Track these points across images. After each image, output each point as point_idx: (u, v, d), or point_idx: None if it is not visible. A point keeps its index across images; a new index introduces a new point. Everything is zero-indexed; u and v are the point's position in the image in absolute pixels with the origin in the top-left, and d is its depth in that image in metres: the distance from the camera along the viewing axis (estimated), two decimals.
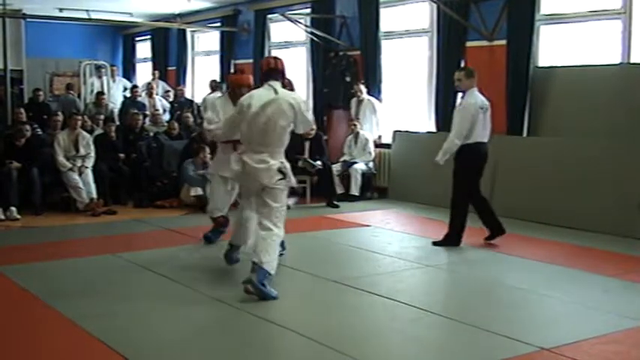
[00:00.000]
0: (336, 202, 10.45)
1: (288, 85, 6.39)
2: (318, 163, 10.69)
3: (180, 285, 6.13)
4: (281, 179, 5.88)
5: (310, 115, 6.20)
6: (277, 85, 5.97)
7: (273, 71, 6.03)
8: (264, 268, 5.68)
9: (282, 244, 7.15)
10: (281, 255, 7.37)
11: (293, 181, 6.11)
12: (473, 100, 7.58)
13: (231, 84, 7.43)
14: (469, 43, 10.27)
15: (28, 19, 14.16)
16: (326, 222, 9.25)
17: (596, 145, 8.68)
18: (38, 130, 11.41)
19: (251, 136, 5.90)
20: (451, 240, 7.70)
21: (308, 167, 10.62)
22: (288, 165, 5.99)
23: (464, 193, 7.69)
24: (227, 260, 6.84)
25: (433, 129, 10.83)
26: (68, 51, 17.30)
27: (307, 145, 10.82)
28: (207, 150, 10.15)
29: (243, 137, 6.04)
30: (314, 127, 7.42)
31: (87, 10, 15.07)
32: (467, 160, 7.65)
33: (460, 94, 7.86)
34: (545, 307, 5.65)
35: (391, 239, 8.17)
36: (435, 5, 10.58)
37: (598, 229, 8.32)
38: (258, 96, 5.92)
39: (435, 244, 7.72)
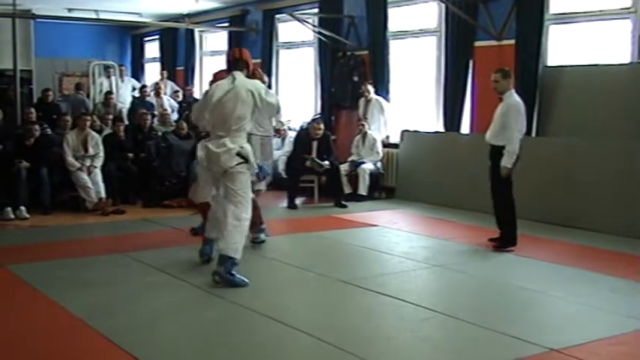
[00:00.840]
0: (344, 202, 10.45)
1: (257, 76, 6.84)
2: (326, 163, 10.69)
3: (189, 284, 6.14)
4: (241, 163, 6.13)
5: (274, 100, 6.50)
6: (239, 74, 6.31)
7: (237, 62, 6.45)
8: (230, 257, 5.96)
9: (264, 231, 7.54)
10: (262, 242, 7.38)
11: (254, 165, 6.44)
12: (517, 99, 7.51)
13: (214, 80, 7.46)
14: (478, 43, 10.26)
15: (38, 20, 14.23)
16: (334, 222, 9.25)
17: (606, 144, 8.65)
18: (47, 129, 11.44)
19: (213, 123, 6.31)
20: (510, 241, 7.58)
21: (316, 167, 10.63)
22: (249, 148, 6.25)
23: (507, 193, 7.54)
24: (200, 255, 6.86)
25: (441, 129, 10.82)
26: (77, 51, 17.35)
27: (315, 144, 10.83)
28: None
29: (207, 124, 6.43)
30: (281, 120, 7.31)
31: (96, 11, 15.13)
32: None
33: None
34: (554, 307, 5.64)
35: (399, 239, 8.16)
36: (443, 5, 10.57)
37: (607, 230, 8.30)
38: (221, 85, 6.31)
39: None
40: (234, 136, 6.19)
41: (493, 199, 7.69)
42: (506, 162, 7.34)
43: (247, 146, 6.27)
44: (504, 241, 7.58)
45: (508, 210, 7.55)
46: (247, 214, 6.18)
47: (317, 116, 11.92)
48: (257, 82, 6.49)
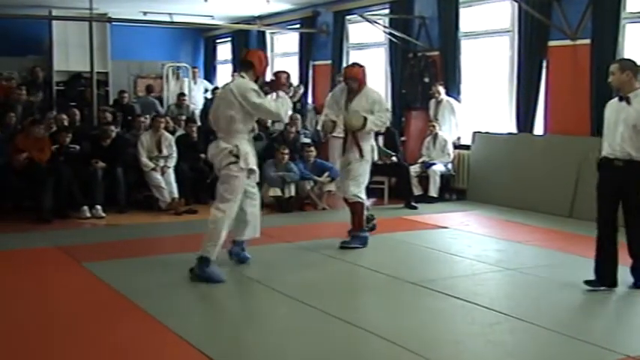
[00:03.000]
0: (414, 204, 10.39)
1: (279, 83, 6.90)
2: (393, 154, 10.67)
3: (262, 285, 6.19)
4: (232, 163, 6.31)
5: (261, 102, 6.39)
6: (238, 76, 6.62)
7: (241, 63, 6.75)
8: (202, 256, 6.25)
9: (359, 239, 7.57)
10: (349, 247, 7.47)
11: (249, 164, 6.44)
12: None
13: (343, 75, 8.02)
14: (551, 43, 10.06)
15: (114, 23, 14.56)
16: (404, 223, 9.21)
17: None
18: (125, 130, 11.71)
19: (213, 124, 6.71)
20: None
21: (383, 157, 10.52)
22: (245, 149, 6.39)
23: None
24: (230, 257, 6.93)
25: (514, 130, 10.66)
26: (151, 53, 17.67)
27: (380, 140, 10.78)
28: (286, 150, 10.27)
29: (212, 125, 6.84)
30: (283, 119, 7.23)
31: (170, 14, 15.38)
32: None
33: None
34: (631, 313, 5.50)
35: (470, 242, 8.08)
36: (516, 4, 10.42)
37: None
38: (221, 88, 6.81)
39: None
40: (228, 137, 6.41)
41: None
42: None
43: (244, 147, 6.40)
44: None
45: None
46: (224, 215, 6.32)
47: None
48: (245, 83, 6.44)
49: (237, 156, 6.31)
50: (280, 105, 6.62)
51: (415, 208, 10.27)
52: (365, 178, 7.76)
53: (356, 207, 7.73)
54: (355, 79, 7.64)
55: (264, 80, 6.82)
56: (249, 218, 6.80)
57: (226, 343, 4.79)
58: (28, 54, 15.99)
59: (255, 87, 6.49)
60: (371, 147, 7.77)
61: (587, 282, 5.99)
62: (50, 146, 9.73)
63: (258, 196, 7.07)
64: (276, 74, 7.03)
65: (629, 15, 9.23)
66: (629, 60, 5.87)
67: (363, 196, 7.72)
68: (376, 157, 7.94)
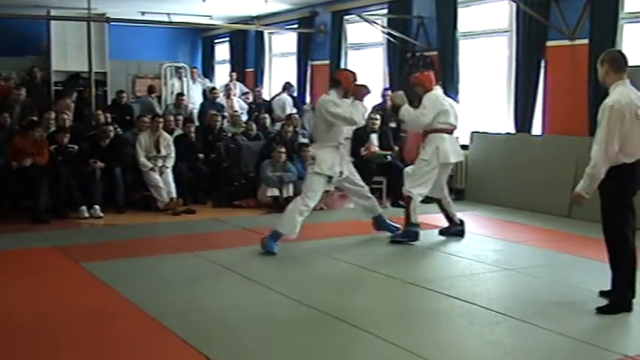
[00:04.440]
0: (402, 202, 10.40)
1: (356, 92, 7.61)
2: (388, 153, 10.71)
3: (260, 285, 6.19)
4: (311, 164, 7.61)
5: (338, 111, 7.42)
6: (327, 92, 7.72)
7: (330, 81, 7.96)
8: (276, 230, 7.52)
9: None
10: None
11: (323, 170, 7.52)
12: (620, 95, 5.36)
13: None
14: (550, 43, 10.08)
15: (112, 23, 14.55)
16: (401, 223, 9.19)
17: None
18: (119, 130, 11.70)
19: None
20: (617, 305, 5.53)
21: (378, 158, 10.56)
22: (320, 154, 7.53)
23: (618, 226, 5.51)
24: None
25: (512, 130, 10.67)
26: (150, 53, 17.67)
27: (374, 137, 10.82)
28: (283, 149, 10.28)
29: None
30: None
31: (168, 14, 15.37)
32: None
33: None
34: (631, 313, 5.49)
35: (468, 241, 8.08)
36: (514, 4, 10.43)
37: None
38: None
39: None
40: (316, 143, 7.74)
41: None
42: (581, 186, 5.43)
43: (320, 152, 7.55)
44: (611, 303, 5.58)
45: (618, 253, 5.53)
46: (303, 207, 7.51)
47: (375, 105, 11.77)
48: (326, 97, 7.57)
49: (313, 157, 7.58)
50: (355, 111, 7.42)
51: (404, 206, 10.28)
52: (421, 178, 7.92)
53: (405, 201, 8.05)
54: (418, 85, 8.17)
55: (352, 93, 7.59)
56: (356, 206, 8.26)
57: (224, 344, 4.79)
58: (26, 54, 15.96)
59: (335, 99, 7.48)
60: (435, 149, 7.86)
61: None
62: (48, 147, 9.72)
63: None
64: (358, 87, 7.68)
65: (626, 15, 9.24)
66: (609, 52, 5.69)
67: (416, 192, 7.90)
68: (435, 161, 7.93)
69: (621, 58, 5.49)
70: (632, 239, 5.43)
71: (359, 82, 7.78)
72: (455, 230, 8.30)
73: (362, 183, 8.07)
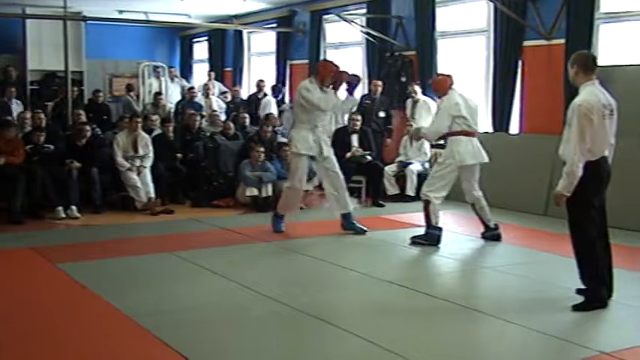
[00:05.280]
0: (381, 202, 10.44)
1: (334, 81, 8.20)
2: (367, 153, 10.73)
3: (237, 284, 6.17)
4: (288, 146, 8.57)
5: (310, 97, 8.01)
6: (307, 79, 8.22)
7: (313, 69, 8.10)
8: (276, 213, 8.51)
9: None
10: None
11: (299, 149, 8.14)
12: (590, 95, 5.49)
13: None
14: (527, 42, 10.14)
15: (88, 22, 14.45)
16: (381, 222, 9.23)
17: None
18: (98, 130, 11.64)
19: None
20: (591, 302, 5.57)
21: (357, 158, 10.60)
22: (296, 135, 8.20)
23: (583, 226, 5.62)
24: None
25: (489, 129, 10.71)
26: (127, 52, 17.58)
27: (355, 138, 10.85)
28: (261, 149, 10.26)
29: None
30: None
31: (145, 12, 15.32)
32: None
33: None
34: (606, 310, 5.53)
35: (446, 240, 8.08)
36: (492, 4, 10.48)
37: None
38: None
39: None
40: (293, 127, 8.45)
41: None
42: (561, 186, 5.45)
43: (295, 133, 8.26)
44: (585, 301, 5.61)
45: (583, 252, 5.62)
46: (287, 189, 8.52)
47: (354, 108, 11.80)
48: (303, 83, 8.20)
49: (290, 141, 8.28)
50: (325, 100, 8.04)
51: (382, 206, 10.34)
52: (438, 181, 7.88)
53: (424, 204, 7.94)
54: (435, 91, 8.40)
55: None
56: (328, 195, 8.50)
57: (202, 343, 4.77)
58: (1, 53, 15.83)
59: (309, 86, 8.09)
60: (450, 151, 7.85)
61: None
62: (24, 147, 9.62)
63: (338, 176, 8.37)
64: (340, 73, 8.25)
65: (602, 15, 9.32)
66: (579, 54, 5.77)
67: (433, 195, 7.82)
68: (452, 163, 7.93)
69: (590, 59, 5.62)
70: (596, 238, 5.53)
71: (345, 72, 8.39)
72: (489, 235, 8.11)
73: (339, 171, 8.36)
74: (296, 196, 8.50)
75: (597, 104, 5.42)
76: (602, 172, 5.59)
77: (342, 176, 8.40)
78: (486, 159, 8.00)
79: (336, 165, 8.38)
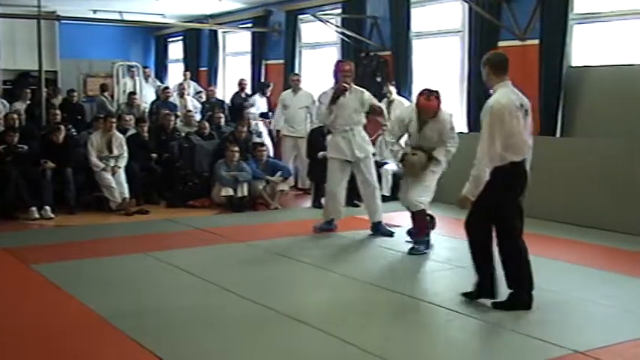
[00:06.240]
0: (356, 202, 10.44)
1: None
2: None
3: (214, 285, 6.15)
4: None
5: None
6: None
7: None
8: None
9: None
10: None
11: (329, 154, 8.52)
12: (504, 97, 5.50)
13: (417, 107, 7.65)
14: (501, 43, 10.19)
15: (62, 21, 14.33)
16: (356, 222, 9.23)
17: (632, 145, 8.57)
18: (72, 130, 11.54)
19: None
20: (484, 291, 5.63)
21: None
22: (328, 140, 8.55)
23: (483, 227, 5.68)
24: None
25: (465, 130, 10.76)
26: (101, 52, 17.47)
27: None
28: (236, 148, 10.24)
29: None
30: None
31: (120, 12, 15.22)
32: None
33: None
34: (580, 309, 5.59)
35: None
36: (466, 5, 10.53)
37: (633, 232, 8.21)
38: None
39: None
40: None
41: None
42: (466, 189, 5.47)
43: (329, 139, 8.54)
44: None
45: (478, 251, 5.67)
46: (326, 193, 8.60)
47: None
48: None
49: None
50: (320, 112, 8.60)
51: (358, 206, 10.34)
52: (432, 189, 7.75)
53: (417, 213, 7.66)
54: (432, 111, 7.48)
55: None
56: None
57: (177, 344, 4.75)
58: None
59: (327, 91, 8.43)
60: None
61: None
62: None
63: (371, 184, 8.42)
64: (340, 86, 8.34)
65: (576, 16, 9.39)
66: (491, 55, 5.74)
67: (427, 202, 7.71)
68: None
69: (502, 61, 5.58)
70: (489, 243, 5.55)
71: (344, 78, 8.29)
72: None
73: (370, 178, 8.42)
74: (331, 199, 8.50)
75: (511, 105, 5.35)
76: (523, 174, 5.50)
77: (374, 185, 8.47)
78: None
79: (369, 172, 8.39)
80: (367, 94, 8.48)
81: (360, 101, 8.36)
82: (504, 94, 5.39)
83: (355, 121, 8.37)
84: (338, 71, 8.36)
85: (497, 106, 5.34)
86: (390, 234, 8.34)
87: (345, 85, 8.22)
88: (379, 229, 8.42)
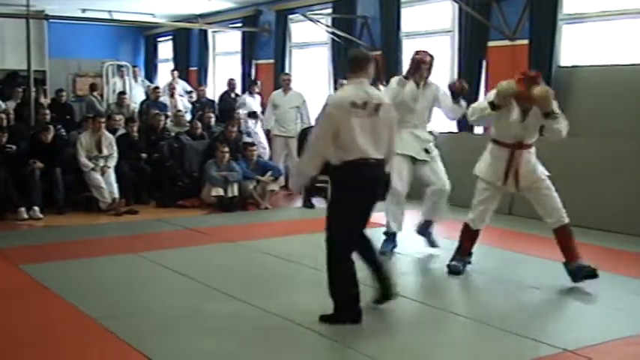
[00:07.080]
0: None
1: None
2: None
3: (204, 285, 6.14)
4: None
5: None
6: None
7: None
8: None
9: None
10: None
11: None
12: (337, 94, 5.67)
13: None
14: (491, 43, 10.22)
15: (51, 20, 14.27)
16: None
17: (620, 145, 8.60)
18: (62, 130, 11.50)
19: None
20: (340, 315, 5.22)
21: None
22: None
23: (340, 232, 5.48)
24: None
25: (454, 129, 10.79)
26: (91, 52, 17.40)
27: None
28: (226, 149, 10.22)
29: None
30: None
31: (109, 11, 15.17)
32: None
33: None
34: (569, 308, 5.61)
35: (412, 241, 8.11)
36: (456, 5, 10.55)
37: (623, 231, 8.24)
38: None
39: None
40: None
41: None
42: (290, 182, 5.56)
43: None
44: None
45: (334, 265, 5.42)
46: (391, 196, 6.89)
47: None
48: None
49: None
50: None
51: None
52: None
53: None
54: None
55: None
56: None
57: (166, 344, 4.74)
58: None
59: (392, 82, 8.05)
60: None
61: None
62: None
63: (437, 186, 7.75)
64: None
65: (565, 16, 9.43)
66: (352, 50, 5.78)
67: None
68: None
69: (357, 58, 5.44)
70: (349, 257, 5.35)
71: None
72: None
73: (440, 176, 7.84)
74: (394, 197, 7.31)
75: (343, 102, 5.10)
76: (361, 176, 5.20)
77: (438, 186, 7.84)
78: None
79: (434, 170, 7.85)
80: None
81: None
82: (344, 91, 5.27)
83: (418, 118, 7.92)
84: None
85: (330, 101, 5.22)
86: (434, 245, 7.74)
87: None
88: (429, 232, 7.81)
